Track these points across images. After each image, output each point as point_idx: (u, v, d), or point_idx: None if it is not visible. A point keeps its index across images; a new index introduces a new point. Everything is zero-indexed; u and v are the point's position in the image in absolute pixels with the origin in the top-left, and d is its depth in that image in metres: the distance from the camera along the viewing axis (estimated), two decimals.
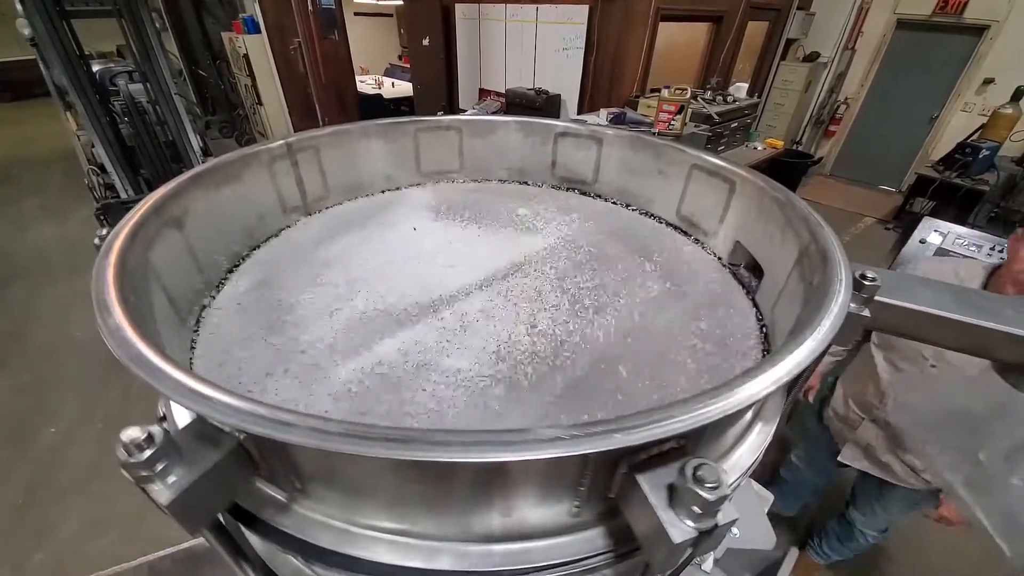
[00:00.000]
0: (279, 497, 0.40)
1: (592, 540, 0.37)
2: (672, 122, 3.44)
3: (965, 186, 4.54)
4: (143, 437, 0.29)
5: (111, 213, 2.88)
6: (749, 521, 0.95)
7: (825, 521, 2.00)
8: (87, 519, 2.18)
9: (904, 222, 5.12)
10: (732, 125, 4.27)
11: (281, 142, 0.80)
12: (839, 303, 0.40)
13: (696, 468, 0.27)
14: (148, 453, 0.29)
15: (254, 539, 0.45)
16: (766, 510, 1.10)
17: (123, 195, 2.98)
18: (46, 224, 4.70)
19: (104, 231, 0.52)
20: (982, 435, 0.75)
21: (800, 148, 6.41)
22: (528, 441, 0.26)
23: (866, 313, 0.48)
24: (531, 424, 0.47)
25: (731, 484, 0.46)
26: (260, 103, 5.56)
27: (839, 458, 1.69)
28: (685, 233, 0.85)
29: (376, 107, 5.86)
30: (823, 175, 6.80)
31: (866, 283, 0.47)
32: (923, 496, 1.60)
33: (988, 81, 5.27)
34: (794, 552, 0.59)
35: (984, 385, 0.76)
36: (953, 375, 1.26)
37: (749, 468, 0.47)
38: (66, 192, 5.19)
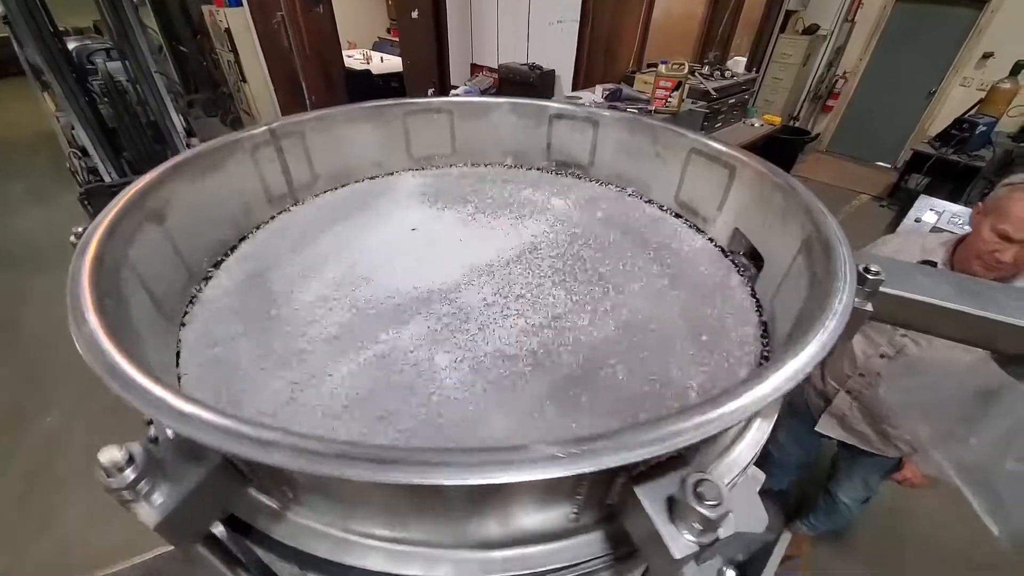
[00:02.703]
0: (272, 505, 0.39)
1: (591, 544, 0.37)
2: (669, 99, 3.37)
3: (961, 162, 4.51)
4: (124, 458, 0.28)
5: (95, 197, 2.80)
6: (742, 503, 0.97)
7: (813, 494, 2.06)
8: (88, 508, 2.16)
9: (899, 199, 5.10)
10: (730, 101, 4.19)
11: (264, 128, 0.77)
12: (843, 303, 0.39)
13: (696, 484, 0.26)
14: (130, 475, 0.27)
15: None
16: (758, 490, 1.12)
17: (107, 179, 2.90)
18: (32, 209, 4.58)
19: (80, 228, 0.50)
20: (973, 421, 0.76)
21: (797, 124, 6.33)
22: (524, 461, 0.25)
23: (869, 308, 0.47)
24: (530, 426, 0.46)
25: (730, 482, 0.46)
26: (244, 80, 5.37)
27: (816, 428, 1.74)
28: (684, 219, 0.83)
29: (365, 83, 5.68)
30: (820, 151, 6.74)
31: (870, 277, 0.46)
32: (897, 463, 1.66)
33: (987, 55, 5.17)
34: (786, 536, 0.60)
35: (976, 372, 0.77)
36: (945, 361, 1.28)
37: (748, 463, 0.47)
38: (52, 175, 5.04)
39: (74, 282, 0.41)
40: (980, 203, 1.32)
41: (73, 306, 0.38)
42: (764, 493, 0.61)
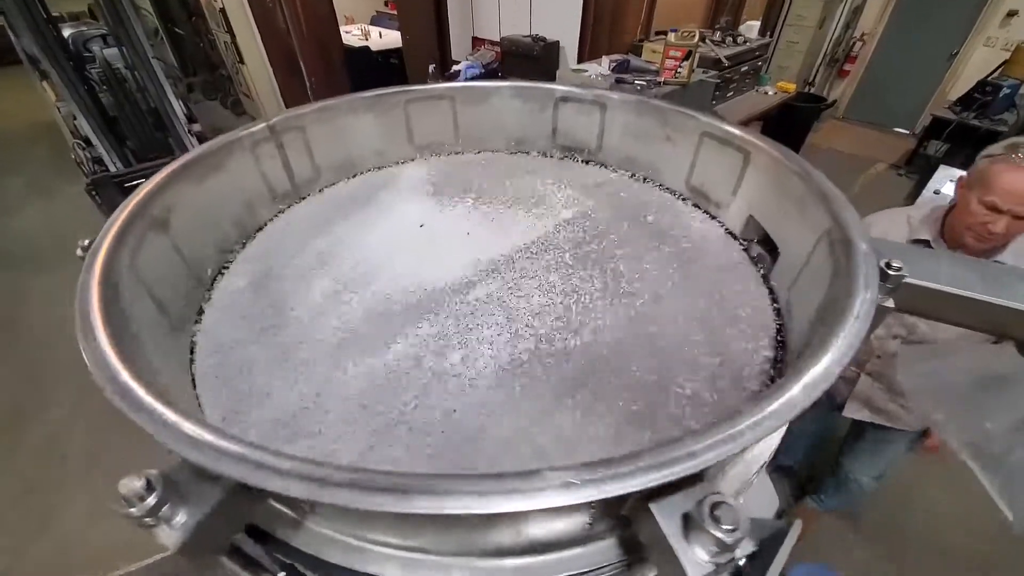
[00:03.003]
0: (290, 514, 0.40)
1: (604, 552, 0.37)
2: (679, 69, 3.25)
3: (982, 127, 4.32)
4: (143, 486, 0.28)
5: (102, 187, 2.80)
6: (753, 487, 0.98)
7: (824, 470, 2.07)
8: (88, 508, 2.12)
9: (917, 166, 4.94)
10: (742, 69, 4.03)
11: (263, 124, 0.76)
12: (866, 305, 0.37)
13: (713, 507, 0.26)
14: (151, 502, 0.28)
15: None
16: (770, 471, 1.13)
17: (112, 168, 2.89)
18: (33, 205, 4.45)
19: (86, 241, 0.50)
20: (988, 406, 0.75)
21: (812, 91, 6.10)
22: (537, 489, 0.25)
23: (890, 304, 0.45)
24: (539, 427, 0.46)
25: (745, 483, 0.45)
26: (242, 61, 5.27)
27: (844, 413, 1.73)
28: (695, 205, 0.81)
29: (364, 61, 5.54)
30: (836, 118, 6.52)
31: (892, 273, 0.44)
32: (914, 438, 1.67)
33: (1012, 13, 4.89)
34: (798, 524, 0.60)
35: (993, 358, 0.75)
36: (954, 343, 1.26)
37: (764, 463, 0.47)
38: (52, 168, 4.96)
39: (83, 296, 0.41)
40: (963, 176, 1.30)
41: (83, 324, 0.38)
42: (776, 469, 0.61)
